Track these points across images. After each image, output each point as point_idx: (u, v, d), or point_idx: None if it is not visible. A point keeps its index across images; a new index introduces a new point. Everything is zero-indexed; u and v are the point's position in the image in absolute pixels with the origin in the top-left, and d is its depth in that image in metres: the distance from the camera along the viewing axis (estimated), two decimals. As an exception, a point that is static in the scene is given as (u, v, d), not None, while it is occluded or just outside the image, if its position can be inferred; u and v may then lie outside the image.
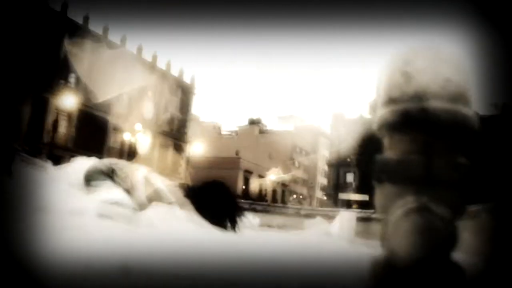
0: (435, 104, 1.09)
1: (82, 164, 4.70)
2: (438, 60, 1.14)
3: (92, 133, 36.45)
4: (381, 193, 1.13)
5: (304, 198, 72.00)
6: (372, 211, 7.72)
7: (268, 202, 36.58)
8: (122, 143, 39.03)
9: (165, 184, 4.73)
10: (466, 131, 1.12)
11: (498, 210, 4.40)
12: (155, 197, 4.44)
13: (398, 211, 1.06)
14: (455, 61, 1.16)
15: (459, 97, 1.11)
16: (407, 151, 1.11)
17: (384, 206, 1.11)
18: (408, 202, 1.06)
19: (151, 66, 42.66)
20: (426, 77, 1.11)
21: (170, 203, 4.30)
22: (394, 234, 1.05)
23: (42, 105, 33.35)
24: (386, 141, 1.18)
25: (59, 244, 2.33)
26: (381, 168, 1.13)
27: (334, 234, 5.05)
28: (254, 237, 4.45)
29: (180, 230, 3.49)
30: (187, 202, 4.78)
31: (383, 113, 1.17)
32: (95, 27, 38.17)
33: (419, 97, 1.11)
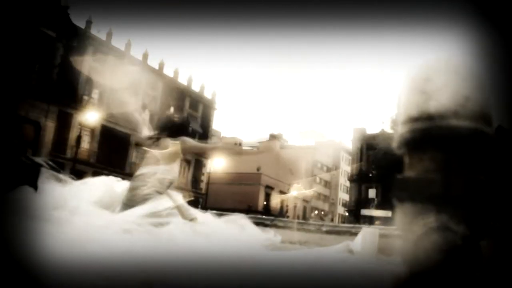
0: (454, 122, 1.09)
1: (104, 182, 4.74)
2: (457, 78, 1.14)
3: (114, 148, 36.95)
4: (401, 212, 1.13)
5: (325, 214, 71.49)
6: (394, 227, 7.59)
7: (290, 218, 36.40)
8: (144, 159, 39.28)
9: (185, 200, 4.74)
10: (485, 149, 1.12)
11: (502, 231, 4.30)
12: (177, 213, 4.46)
13: (419, 230, 1.06)
14: (475, 78, 1.16)
15: (478, 115, 1.11)
16: (426, 169, 1.12)
17: (405, 224, 1.11)
18: (428, 221, 1.06)
19: (173, 82, 43.16)
20: (445, 96, 1.12)
21: (191, 220, 4.31)
22: (415, 253, 1.05)
23: (66, 121, 33.98)
24: (406, 160, 1.18)
25: (79, 256, 2.35)
26: (401, 187, 1.13)
27: (356, 250, 4.99)
28: (276, 254, 4.42)
29: (201, 246, 3.50)
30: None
31: (402, 131, 1.17)
32: (117, 42, 38.83)
33: (438, 116, 1.11)
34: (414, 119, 1.15)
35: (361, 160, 49.14)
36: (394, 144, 1.19)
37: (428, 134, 1.11)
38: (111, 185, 4.73)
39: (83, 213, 3.76)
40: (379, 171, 44.73)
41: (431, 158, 1.12)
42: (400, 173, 1.19)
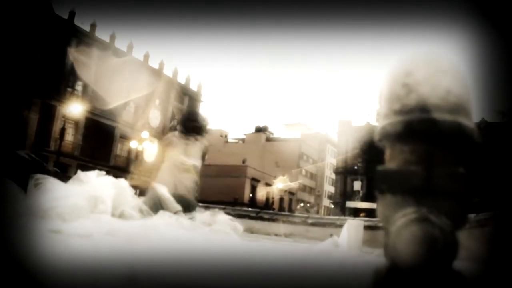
0: (435, 115, 1.10)
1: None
2: (439, 71, 1.15)
3: (99, 141, 36.67)
4: (382, 204, 1.14)
5: (311, 206, 71.84)
6: (379, 219, 7.68)
7: (275, 211, 36.54)
8: (129, 151, 39.15)
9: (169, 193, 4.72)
10: (466, 141, 1.13)
11: (506, 217, 4.38)
12: (162, 206, 4.45)
13: (399, 222, 1.07)
14: (456, 71, 1.17)
15: (459, 108, 1.12)
16: (407, 161, 1.13)
17: (386, 216, 1.12)
18: (408, 213, 1.07)
19: (158, 74, 42.88)
20: (426, 89, 1.13)
21: (176, 212, 4.30)
22: (395, 244, 1.06)
23: (49, 113, 33.59)
24: (387, 152, 1.19)
25: (65, 252, 2.34)
26: (382, 179, 1.14)
27: (341, 243, 5.03)
28: (259, 245, 4.43)
29: (186, 239, 3.49)
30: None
31: (384, 124, 1.18)
32: (102, 34, 38.47)
33: (420, 108, 1.12)
34: (395, 112, 1.16)
35: (346, 152, 49.43)
36: (376, 137, 1.20)
37: (409, 126, 1.12)
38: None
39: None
40: (364, 164, 45.08)
41: (412, 150, 1.13)
42: (383, 165, 1.20)
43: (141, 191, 5.93)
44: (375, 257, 3.28)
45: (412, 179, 1.09)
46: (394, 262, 1.07)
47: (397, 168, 1.13)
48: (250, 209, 15.84)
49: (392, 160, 1.16)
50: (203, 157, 5.22)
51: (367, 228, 7.33)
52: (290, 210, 57.06)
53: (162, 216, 3.93)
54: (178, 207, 4.50)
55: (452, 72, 1.16)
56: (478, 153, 1.34)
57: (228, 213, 5.36)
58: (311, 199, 72.96)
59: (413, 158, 1.12)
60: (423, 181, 1.08)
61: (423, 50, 1.22)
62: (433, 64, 1.16)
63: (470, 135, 1.13)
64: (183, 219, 4.03)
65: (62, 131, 29.58)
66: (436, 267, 1.02)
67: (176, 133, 5.26)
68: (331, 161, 71.32)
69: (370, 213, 39.05)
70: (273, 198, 55.30)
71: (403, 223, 1.06)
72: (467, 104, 1.15)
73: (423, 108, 1.12)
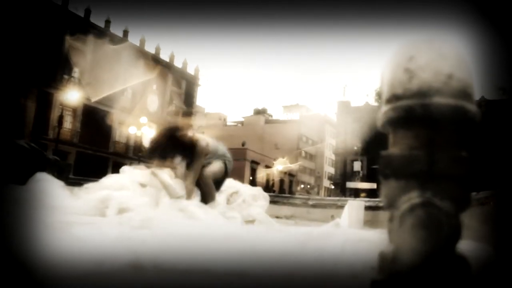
0: (437, 100, 1.11)
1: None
2: (440, 56, 1.15)
3: (97, 128, 36.62)
4: (386, 189, 1.15)
5: (311, 188, 72.12)
6: (380, 199, 7.72)
7: (276, 193, 36.70)
8: (128, 137, 39.12)
9: (171, 178, 4.74)
10: (468, 125, 1.14)
11: (506, 195, 4.40)
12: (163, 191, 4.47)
13: (403, 207, 1.08)
14: (458, 56, 1.17)
15: (461, 93, 1.13)
16: (410, 146, 1.13)
17: (390, 201, 1.13)
18: (412, 197, 1.08)
19: (155, 59, 42.64)
20: (428, 74, 1.13)
21: (178, 197, 4.33)
22: (400, 229, 1.08)
23: (46, 101, 33.48)
24: (390, 137, 1.20)
25: (67, 242, 2.35)
26: (386, 164, 1.15)
27: (343, 223, 5.06)
28: (261, 229, 4.46)
29: (187, 224, 3.51)
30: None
31: (386, 109, 1.18)
32: (97, 20, 38.16)
33: (422, 93, 1.12)
34: (397, 97, 1.16)
35: (346, 133, 49.44)
36: (378, 122, 1.20)
37: (412, 111, 1.13)
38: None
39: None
40: (364, 144, 45.12)
41: (414, 135, 1.14)
42: (385, 148, 1.21)
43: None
44: (377, 235, 3.28)
45: (416, 163, 1.10)
46: (399, 247, 1.08)
47: (401, 153, 1.14)
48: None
49: (395, 145, 1.17)
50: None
51: (368, 208, 7.37)
52: (291, 191, 57.29)
53: (164, 203, 3.96)
54: (180, 193, 4.53)
55: (454, 56, 1.16)
56: (479, 134, 1.35)
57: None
58: (312, 180, 73.21)
59: (416, 143, 1.13)
60: (427, 165, 1.09)
61: (424, 35, 1.22)
62: (435, 49, 1.16)
63: (472, 119, 1.13)
64: (183, 204, 4.06)
65: (60, 118, 29.50)
66: (441, 250, 1.03)
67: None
68: (331, 142, 71.40)
69: (370, 193, 39.23)
70: (273, 180, 55.48)
71: (407, 207, 1.07)
72: (470, 88, 1.15)
73: (425, 93, 1.12)
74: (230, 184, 5.64)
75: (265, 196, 5.60)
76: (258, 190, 5.72)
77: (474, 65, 1.16)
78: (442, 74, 1.12)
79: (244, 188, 5.72)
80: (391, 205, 1.12)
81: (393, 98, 1.17)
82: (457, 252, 1.07)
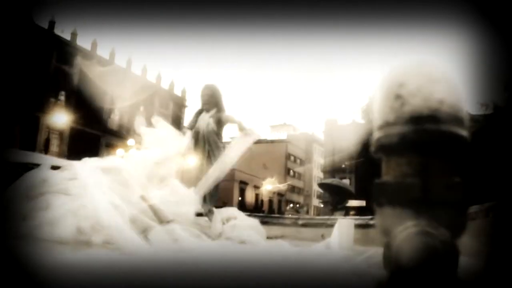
0: (429, 126, 1.11)
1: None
2: (431, 81, 1.15)
3: (84, 150, 36.30)
4: (381, 217, 1.14)
5: (301, 207, 71.92)
6: (369, 217, 7.74)
7: (265, 213, 36.55)
8: (116, 159, 38.77)
9: (163, 201, 4.66)
10: (460, 150, 1.14)
11: (496, 210, 4.42)
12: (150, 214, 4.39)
13: (400, 236, 1.07)
14: (448, 80, 1.18)
15: (453, 118, 1.13)
16: (404, 173, 1.13)
17: (385, 229, 1.12)
18: (408, 226, 1.07)
19: (142, 80, 42.60)
20: (419, 100, 1.13)
21: (168, 222, 4.25)
22: (396, 259, 1.06)
23: (33, 124, 33.19)
24: (383, 164, 1.19)
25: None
26: (380, 192, 1.14)
27: (333, 243, 5.03)
28: (253, 249, 4.42)
29: (178, 249, 3.48)
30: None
31: (379, 136, 1.18)
32: (84, 42, 38.12)
33: (413, 120, 1.12)
34: (390, 124, 1.16)
35: (333, 151, 49.63)
36: (371, 150, 1.20)
37: (404, 138, 1.13)
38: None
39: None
40: (351, 162, 45.27)
41: (407, 162, 1.13)
42: (372, 166, 1.21)
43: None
44: (368, 257, 3.28)
45: (410, 191, 1.09)
46: (395, 275, 1.07)
47: (395, 181, 1.13)
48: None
49: (388, 172, 1.16)
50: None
51: (357, 226, 7.35)
52: (280, 211, 57.07)
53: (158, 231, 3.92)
54: (170, 217, 4.41)
55: (444, 80, 1.16)
56: (470, 156, 1.35)
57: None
58: (301, 199, 73.08)
59: (410, 170, 1.12)
60: (421, 192, 1.09)
61: (414, 55, 1.22)
62: (425, 74, 1.17)
63: (464, 144, 1.13)
64: (175, 230, 3.99)
65: (47, 141, 29.27)
66: (439, 277, 1.02)
67: None
68: (319, 160, 71.54)
69: (360, 210, 39.21)
70: (262, 200, 55.30)
71: (404, 237, 1.06)
72: (461, 112, 1.15)
73: (417, 120, 1.12)
74: (229, 211, 5.93)
75: (260, 229, 5.68)
76: (255, 221, 5.86)
77: (464, 88, 1.16)
78: (433, 100, 1.12)
79: (243, 217, 5.88)
80: (386, 233, 1.11)
81: (385, 124, 1.16)
82: (454, 278, 1.06)
